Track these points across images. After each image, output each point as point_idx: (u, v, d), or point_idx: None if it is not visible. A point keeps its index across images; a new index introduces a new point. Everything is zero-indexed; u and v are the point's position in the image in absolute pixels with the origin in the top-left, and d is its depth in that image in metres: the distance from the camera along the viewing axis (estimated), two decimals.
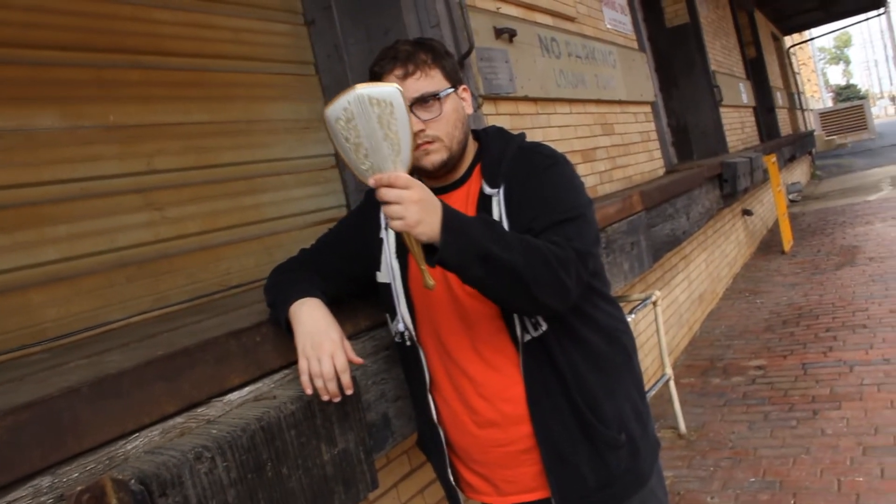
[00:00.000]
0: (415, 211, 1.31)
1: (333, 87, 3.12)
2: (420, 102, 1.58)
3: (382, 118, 1.35)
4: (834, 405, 4.07)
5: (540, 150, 1.68)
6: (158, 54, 2.52)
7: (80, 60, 2.29)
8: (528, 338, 1.61)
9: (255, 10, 2.92)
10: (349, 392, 1.53)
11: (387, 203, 1.32)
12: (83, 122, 2.27)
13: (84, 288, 2.21)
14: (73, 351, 1.83)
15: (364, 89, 1.36)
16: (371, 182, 1.36)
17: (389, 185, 1.32)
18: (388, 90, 1.36)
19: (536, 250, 1.42)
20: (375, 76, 1.61)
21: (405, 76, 1.58)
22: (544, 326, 1.60)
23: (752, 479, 3.48)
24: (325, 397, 1.51)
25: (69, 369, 1.49)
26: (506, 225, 1.58)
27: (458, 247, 1.35)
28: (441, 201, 1.37)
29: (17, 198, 2.09)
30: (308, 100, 3.07)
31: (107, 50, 2.38)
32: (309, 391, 1.50)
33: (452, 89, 1.63)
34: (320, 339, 1.54)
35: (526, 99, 3.71)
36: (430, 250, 1.36)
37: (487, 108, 3.32)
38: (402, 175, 1.34)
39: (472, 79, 3.22)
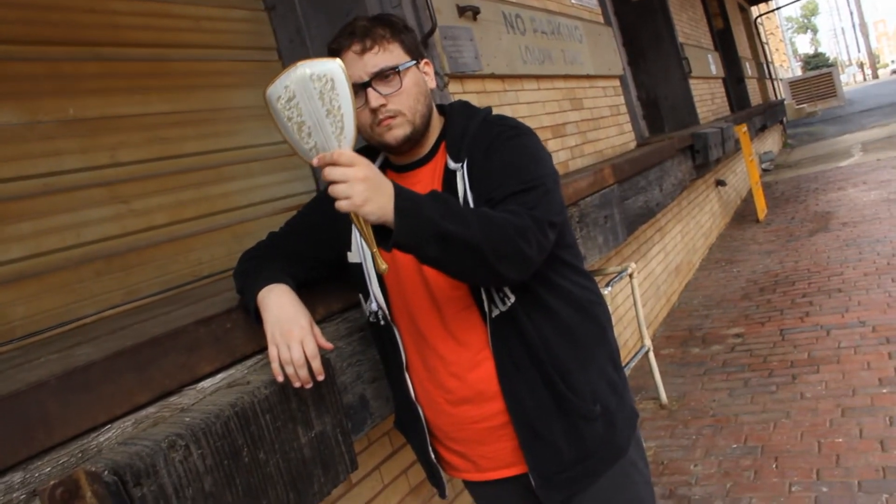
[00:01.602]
0: (361, 189, 1.27)
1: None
2: (379, 77, 1.55)
3: (324, 94, 1.32)
4: (812, 369, 4.12)
5: (504, 121, 1.67)
6: (117, 45, 2.48)
7: (35, 54, 2.25)
8: (496, 312, 1.60)
9: None
10: (320, 378, 1.51)
11: (332, 182, 1.29)
12: (42, 117, 2.23)
13: (53, 284, 2.18)
14: (43, 347, 1.81)
15: (304, 65, 1.33)
16: (315, 162, 1.33)
17: (333, 164, 1.29)
18: (328, 65, 1.33)
19: (492, 222, 1.40)
20: (333, 53, 1.58)
21: (363, 51, 1.55)
22: (512, 299, 1.59)
23: (735, 446, 3.52)
24: (297, 384, 1.50)
25: (38, 364, 1.47)
26: (470, 199, 1.56)
27: (412, 228, 1.32)
28: (392, 181, 1.34)
29: None
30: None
31: (63, 43, 2.33)
32: (280, 378, 1.49)
33: (413, 62, 1.61)
34: (289, 326, 1.52)
35: (493, 76, 3.70)
36: (384, 233, 1.33)
37: (454, 86, 3.30)
38: (346, 152, 1.30)
39: (436, 58, 3.20)
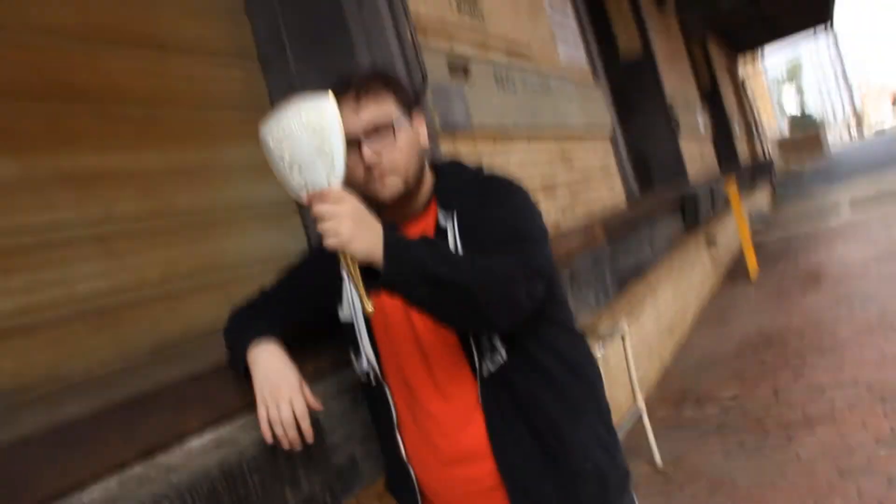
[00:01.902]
0: (348, 226, 1.27)
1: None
2: (373, 132, 1.56)
3: (315, 132, 1.33)
4: (807, 429, 4.08)
5: (497, 178, 1.68)
6: (112, 100, 2.49)
7: (32, 109, 2.26)
8: (487, 370, 1.58)
9: (209, 55, 2.91)
10: (309, 440, 1.50)
11: (320, 219, 1.28)
12: (36, 170, 2.23)
13: (42, 340, 2.15)
14: (30, 404, 1.78)
15: (297, 104, 1.34)
16: (304, 199, 1.33)
17: (322, 201, 1.29)
18: (320, 103, 1.35)
19: (482, 267, 1.40)
20: None
21: (358, 105, 1.56)
22: (504, 357, 1.58)
23: None
24: (286, 445, 1.48)
25: (24, 421, 1.45)
26: (461, 252, 1.56)
27: (401, 269, 1.31)
28: (381, 222, 1.33)
29: None
30: None
31: (60, 97, 2.35)
32: (269, 439, 1.47)
33: (407, 118, 1.62)
34: (278, 384, 1.51)
35: (483, 135, 3.73)
36: (373, 275, 1.32)
37: (445, 144, 3.33)
38: (335, 189, 1.31)
39: (428, 115, 3.24)
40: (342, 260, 1.32)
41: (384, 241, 1.31)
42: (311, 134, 1.33)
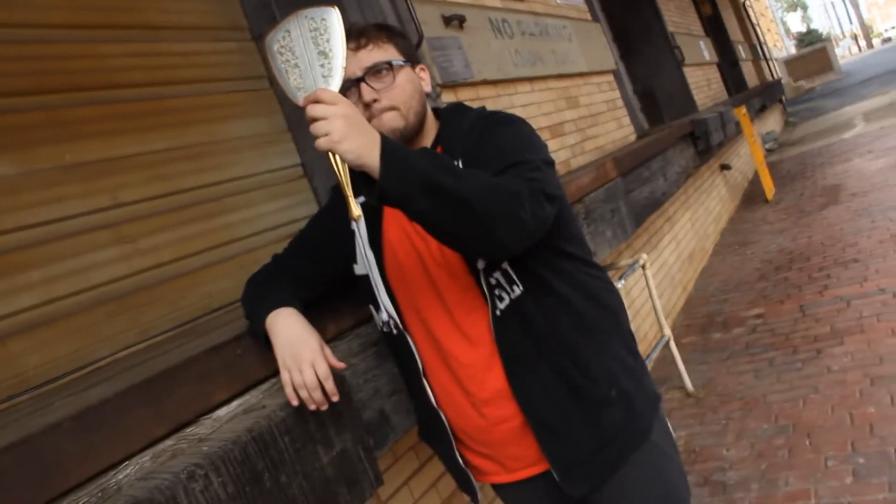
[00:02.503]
0: (339, 126, 1.24)
1: (289, 98, 3.09)
2: (373, 72, 1.55)
3: (318, 37, 1.34)
4: (836, 342, 4.07)
5: (497, 113, 1.66)
6: (109, 88, 2.49)
7: (29, 105, 2.26)
8: (501, 308, 1.58)
9: (201, 32, 2.89)
10: (335, 399, 1.51)
11: (313, 121, 1.26)
12: (41, 165, 2.24)
13: (65, 330, 2.18)
14: (58, 393, 1.80)
15: (303, 11, 1.36)
16: (300, 102, 1.31)
17: (315, 101, 1.27)
18: (326, 10, 1.36)
19: (486, 181, 1.36)
20: None
21: (357, 48, 1.56)
22: (519, 290, 1.57)
23: (766, 427, 3.48)
24: (312, 406, 1.49)
25: (52, 409, 1.47)
26: None
27: (399, 176, 1.27)
28: (382, 135, 1.30)
29: None
30: (266, 113, 3.04)
31: (57, 91, 2.34)
32: (295, 402, 1.49)
33: (407, 63, 1.61)
34: (299, 349, 1.51)
35: (485, 83, 3.69)
36: (372, 185, 1.29)
37: (447, 96, 3.30)
38: (329, 91, 1.29)
39: (427, 70, 3.20)
40: (332, 162, 1.29)
41: (381, 146, 1.27)
42: (311, 36, 1.34)
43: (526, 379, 1.60)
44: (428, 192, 1.28)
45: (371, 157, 1.26)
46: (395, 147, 1.30)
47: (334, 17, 1.35)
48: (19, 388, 2.03)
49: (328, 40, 1.35)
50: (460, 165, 1.56)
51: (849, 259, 5.37)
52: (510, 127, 1.60)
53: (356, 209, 1.29)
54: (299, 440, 1.49)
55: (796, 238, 6.54)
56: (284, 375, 1.49)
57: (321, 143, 1.25)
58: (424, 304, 1.65)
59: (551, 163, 1.59)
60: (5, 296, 2.07)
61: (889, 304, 4.29)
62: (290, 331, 1.56)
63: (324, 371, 1.49)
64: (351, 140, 1.25)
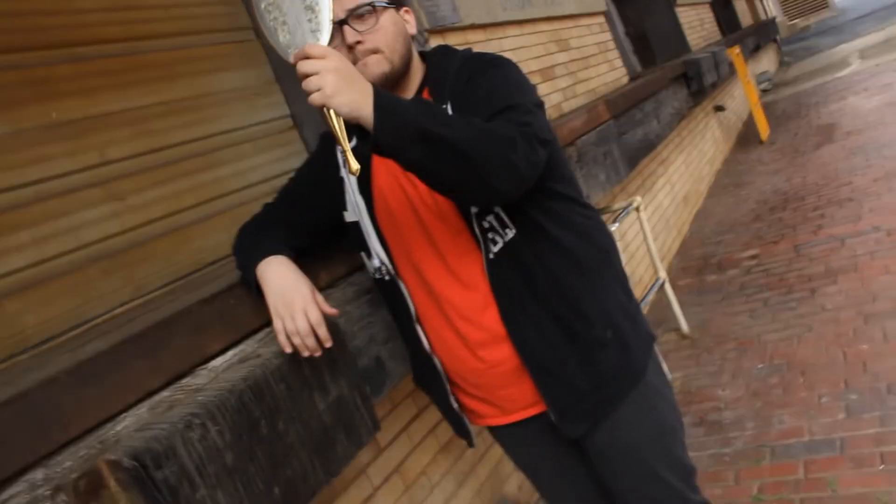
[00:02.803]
0: (331, 80, 1.24)
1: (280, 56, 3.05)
2: (356, 15, 1.53)
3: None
4: (830, 280, 4.10)
5: (485, 55, 1.64)
6: (90, 44, 2.45)
7: (9, 63, 2.23)
8: (494, 251, 1.58)
9: None
10: (328, 345, 1.51)
11: (305, 77, 1.26)
12: (25, 125, 2.21)
13: (59, 289, 2.18)
14: (55, 350, 1.81)
15: None
16: (291, 59, 1.31)
17: (305, 57, 1.26)
18: None
19: (479, 127, 1.36)
20: None
21: None
22: (511, 232, 1.57)
23: (760, 366, 3.52)
24: (306, 353, 1.50)
25: (50, 364, 1.48)
26: None
27: (393, 126, 1.27)
28: (375, 87, 1.30)
29: None
30: (253, 65, 3.01)
31: (36, 48, 2.31)
32: (288, 350, 1.49)
33: (391, 6, 1.59)
34: (290, 297, 1.52)
35: (473, 27, 3.65)
36: (365, 136, 1.30)
37: (435, 41, 3.26)
38: (318, 45, 1.29)
39: (414, 14, 3.16)
40: (327, 117, 1.28)
41: (374, 98, 1.27)
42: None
43: (521, 321, 1.61)
44: (421, 140, 1.28)
45: (365, 108, 1.26)
46: (388, 98, 1.29)
47: None
48: (18, 346, 2.03)
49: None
50: (449, 108, 1.55)
51: (843, 198, 5.38)
52: (498, 69, 1.59)
53: (354, 163, 1.28)
54: (295, 387, 1.50)
55: (791, 178, 6.53)
56: (277, 323, 1.50)
57: (314, 98, 1.25)
58: (416, 250, 1.65)
59: (541, 104, 1.59)
60: None
61: (883, 242, 4.30)
62: (281, 279, 1.56)
63: (316, 317, 1.50)
64: (343, 93, 1.25)
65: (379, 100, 1.27)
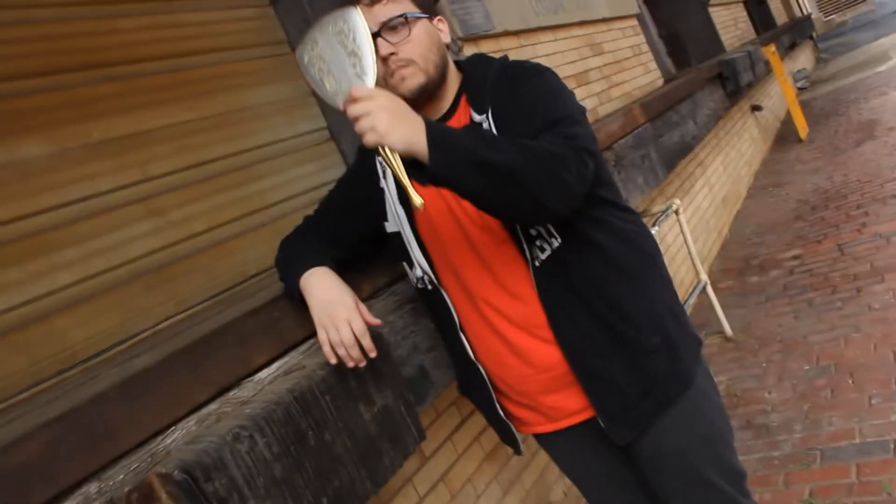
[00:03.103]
0: (383, 119, 1.25)
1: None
2: (389, 27, 1.53)
3: (344, 38, 1.34)
4: (877, 279, 4.02)
5: (523, 64, 1.64)
6: (129, 63, 2.49)
7: (52, 84, 2.27)
8: (540, 259, 1.57)
9: (218, 0, 2.88)
10: (373, 355, 1.52)
11: (357, 120, 1.27)
12: (69, 144, 2.26)
13: (105, 305, 2.21)
14: (103, 365, 1.84)
15: (324, 17, 1.38)
16: (340, 105, 1.33)
17: (354, 101, 1.27)
18: (344, 10, 1.37)
19: (531, 149, 1.35)
20: None
21: (372, 3, 1.54)
22: (557, 241, 1.57)
23: (807, 367, 3.46)
24: (350, 364, 1.50)
25: (99, 380, 1.50)
26: None
27: (449, 158, 1.28)
28: (425, 118, 1.31)
29: (20, 230, 2.09)
30: (289, 78, 3.03)
31: (77, 69, 2.35)
32: (333, 361, 1.50)
33: (424, 16, 1.59)
34: (334, 308, 1.52)
35: (506, 34, 3.65)
36: (421, 170, 1.30)
37: (469, 49, 3.27)
38: (364, 87, 1.30)
39: (447, 24, 3.17)
40: (384, 156, 1.29)
41: (426, 130, 1.27)
42: (337, 39, 1.35)
43: (568, 327, 1.60)
44: (477, 170, 1.30)
45: (419, 142, 1.27)
46: (441, 130, 1.30)
47: (355, 16, 1.36)
48: (67, 362, 2.07)
49: (354, 39, 1.35)
50: (490, 117, 1.55)
51: (887, 195, 5.27)
52: (538, 78, 1.58)
53: (418, 198, 1.28)
54: (340, 398, 1.50)
55: (832, 176, 6.43)
56: (321, 334, 1.51)
57: (369, 138, 1.26)
58: (459, 258, 1.65)
59: (584, 111, 1.59)
60: (46, 274, 2.10)
61: None
62: (324, 290, 1.57)
63: (360, 328, 1.50)
64: (397, 130, 1.26)
65: (432, 133, 1.28)
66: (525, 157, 1.33)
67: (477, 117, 1.58)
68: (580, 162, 1.42)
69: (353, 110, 1.27)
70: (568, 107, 1.53)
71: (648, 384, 1.63)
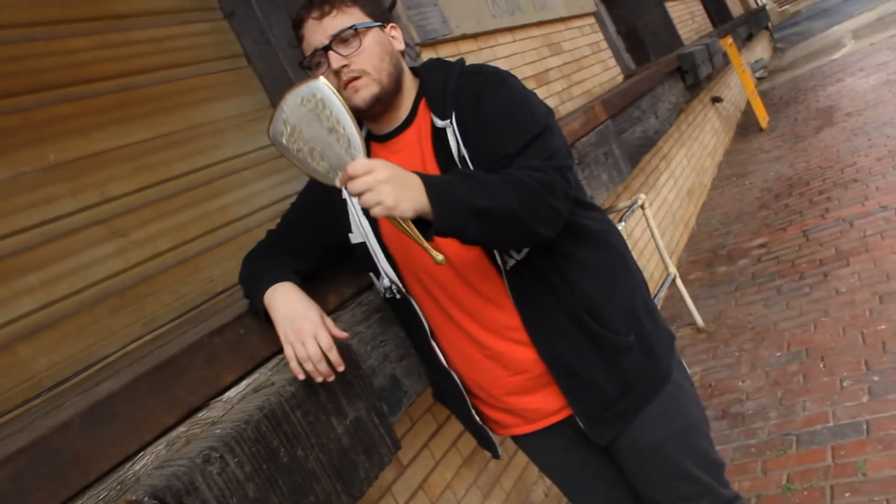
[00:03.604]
0: (388, 191, 1.26)
1: (268, 72, 3.06)
2: (339, 39, 1.52)
3: (319, 114, 1.34)
4: (842, 263, 4.07)
5: (483, 69, 1.63)
6: (83, 83, 2.46)
7: (4, 108, 2.23)
8: (511, 263, 1.57)
9: (170, 16, 2.84)
10: (340, 369, 1.51)
11: (359, 195, 1.28)
12: (24, 168, 2.22)
13: (70, 330, 2.18)
14: (69, 392, 1.81)
15: (290, 95, 1.35)
16: (338, 184, 1.34)
17: (353, 177, 1.28)
18: (312, 84, 1.35)
19: (523, 186, 1.39)
20: (295, 25, 1.58)
21: (321, 16, 1.53)
22: (527, 247, 1.57)
23: (779, 354, 3.49)
24: (319, 378, 1.49)
25: (64, 408, 1.47)
26: (465, 154, 1.53)
27: (450, 212, 1.32)
28: (417, 173, 1.33)
29: None
30: (247, 91, 3.01)
31: (30, 91, 2.31)
32: (301, 376, 1.49)
33: (375, 24, 1.58)
34: (299, 323, 1.51)
35: (464, 37, 3.64)
36: (422, 224, 1.33)
37: (427, 55, 3.26)
38: (360, 162, 1.29)
39: (404, 30, 3.16)
40: (395, 224, 1.32)
41: (426, 189, 1.30)
42: (313, 115, 1.34)
43: (544, 327, 1.60)
44: (477, 218, 1.34)
45: (424, 203, 1.30)
46: (438, 185, 1.33)
47: (323, 88, 1.35)
48: (33, 391, 2.03)
49: (330, 114, 1.35)
50: (454, 124, 1.55)
51: (848, 179, 5.35)
52: (504, 89, 1.57)
53: (439, 255, 1.32)
54: (312, 413, 1.49)
55: (794, 164, 6.51)
56: (288, 350, 1.49)
57: (377, 211, 1.28)
58: (428, 266, 1.63)
59: (551, 111, 1.60)
60: (7, 302, 2.06)
61: (892, 220, 4.27)
62: (288, 305, 1.55)
63: (326, 342, 1.49)
64: (404, 199, 1.28)
65: (432, 190, 1.31)
66: (518, 197, 1.38)
67: (439, 122, 1.57)
68: (565, 183, 1.47)
69: (354, 188, 1.28)
70: (538, 115, 1.54)
71: (626, 383, 1.64)
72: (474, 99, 1.56)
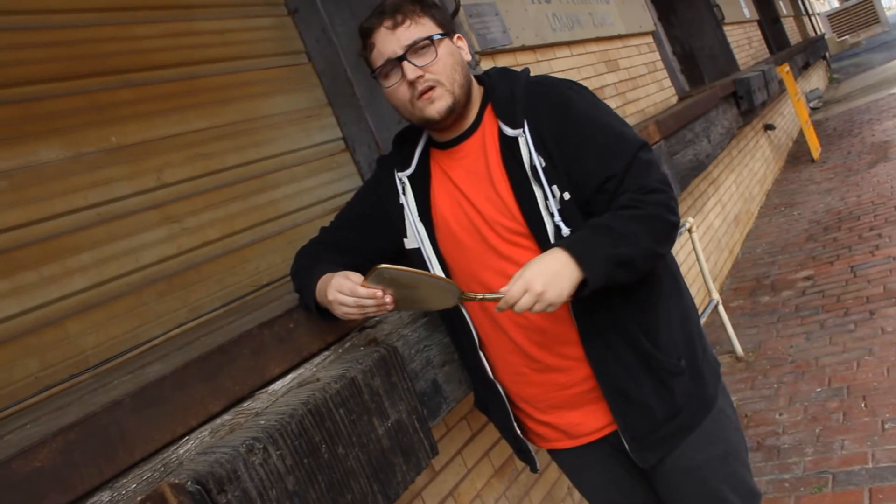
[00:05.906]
0: (551, 296, 1.36)
1: (328, 70, 3.09)
2: (413, 49, 1.53)
3: (398, 284, 1.42)
4: (890, 302, 3.99)
5: (550, 81, 1.64)
6: (147, 69, 2.50)
7: (70, 89, 2.27)
8: None
9: (235, 8, 2.88)
10: (388, 299, 1.45)
11: (528, 309, 1.37)
12: (86, 149, 2.26)
13: (118, 310, 2.21)
14: (115, 372, 1.83)
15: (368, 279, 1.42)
16: (497, 309, 1.45)
17: (510, 304, 1.37)
18: (374, 274, 1.40)
19: (651, 221, 1.45)
20: (365, 32, 1.58)
21: (395, 26, 1.54)
22: None
23: (819, 389, 3.43)
24: (374, 311, 1.48)
25: (112, 387, 1.49)
26: (537, 162, 1.53)
27: (602, 271, 1.40)
28: (554, 247, 1.41)
29: (35, 234, 2.09)
30: (305, 88, 3.04)
31: (95, 74, 2.35)
32: (358, 315, 1.50)
33: (445, 35, 1.58)
34: (340, 285, 1.50)
35: (523, 48, 3.65)
36: (580, 286, 1.41)
37: (486, 63, 3.27)
38: (510, 291, 1.38)
39: (465, 38, 3.17)
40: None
41: (573, 258, 1.38)
42: (393, 288, 1.43)
43: (600, 345, 1.60)
44: (622, 266, 1.42)
45: (577, 276, 1.39)
46: (582, 251, 1.40)
47: (388, 271, 1.39)
48: (79, 367, 2.06)
49: (405, 280, 1.41)
50: (527, 133, 1.56)
51: None
52: (586, 102, 1.59)
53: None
54: (355, 412, 1.49)
55: (845, 197, 6.40)
56: (338, 311, 1.50)
57: (550, 311, 1.40)
58: (483, 274, 1.63)
59: (622, 120, 1.62)
60: (60, 278, 2.10)
61: None
62: (336, 283, 1.54)
63: (364, 291, 1.45)
64: (563, 290, 1.38)
65: (578, 259, 1.38)
66: (652, 235, 1.45)
67: (510, 132, 1.57)
68: (674, 198, 1.52)
69: (522, 307, 1.37)
70: (620, 128, 1.57)
71: (675, 406, 1.63)
72: (547, 111, 1.56)
